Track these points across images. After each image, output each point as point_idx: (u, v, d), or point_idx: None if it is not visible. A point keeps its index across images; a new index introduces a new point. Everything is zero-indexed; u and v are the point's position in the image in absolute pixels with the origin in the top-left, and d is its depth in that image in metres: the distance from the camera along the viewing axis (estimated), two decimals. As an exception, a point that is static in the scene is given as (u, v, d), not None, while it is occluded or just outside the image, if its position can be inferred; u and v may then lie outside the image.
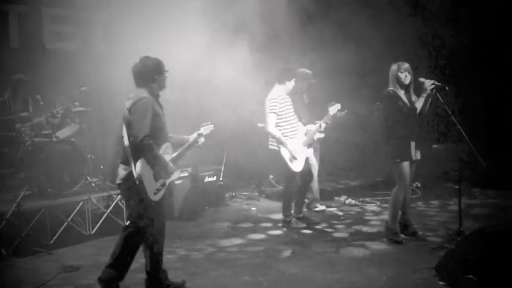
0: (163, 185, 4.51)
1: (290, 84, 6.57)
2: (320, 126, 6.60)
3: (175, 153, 4.65)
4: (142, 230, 4.46)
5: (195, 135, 4.77)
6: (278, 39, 9.51)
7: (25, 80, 7.14)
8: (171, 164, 4.50)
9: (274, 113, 6.42)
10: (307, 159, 6.66)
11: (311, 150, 6.72)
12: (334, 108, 6.57)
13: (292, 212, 6.73)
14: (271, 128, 6.42)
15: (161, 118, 4.45)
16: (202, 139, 4.77)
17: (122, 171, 4.40)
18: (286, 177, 6.63)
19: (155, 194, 4.42)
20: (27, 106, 7.12)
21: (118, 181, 4.46)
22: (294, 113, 6.61)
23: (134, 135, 4.23)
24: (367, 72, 9.45)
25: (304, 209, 7.43)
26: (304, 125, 6.73)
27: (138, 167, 4.26)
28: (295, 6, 9.02)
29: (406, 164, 5.69)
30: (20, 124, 6.84)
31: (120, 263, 4.42)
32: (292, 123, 6.54)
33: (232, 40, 9.08)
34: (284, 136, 6.44)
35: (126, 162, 4.35)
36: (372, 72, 9.29)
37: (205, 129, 4.82)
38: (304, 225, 6.67)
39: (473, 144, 5.38)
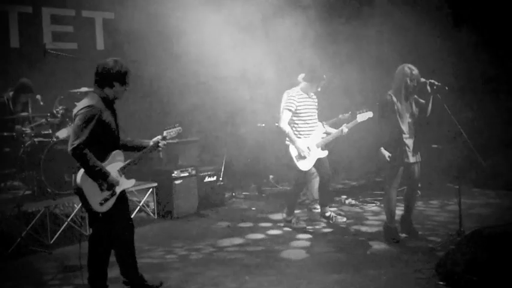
0: (112, 194, 4.31)
1: (314, 85, 6.54)
2: (341, 131, 6.58)
3: (129, 160, 4.49)
4: (102, 237, 4.39)
5: (156, 139, 4.61)
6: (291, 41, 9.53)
7: (31, 86, 7.12)
8: (112, 176, 4.26)
9: (289, 110, 6.42)
10: (320, 161, 6.62)
11: (326, 152, 6.67)
12: (364, 116, 6.55)
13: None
14: (283, 124, 6.43)
15: (110, 126, 4.29)
16: (164, 143, 4.58)
17: (75, 182, 4.28)
18: (295, 175, 6.63)
19: (101, 204, 4.23)
20: (27, 106, 7.12)
21: (74, 191, 4.36)
22: (313, 113, 6.58)
23: (70, 142, 4.10)
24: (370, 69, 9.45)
25: (305, 210, 7.44)
26: (324, 126, 6.73)
27: (78, 178, 4.15)
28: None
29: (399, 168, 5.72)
30: (20, 124, 6.84)
31: (97, 274, 4.42)
32: (308, 123, 6.53)
33: (237, 39, 9.11)
34: (299, 134, 6.45)
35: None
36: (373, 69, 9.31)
37: (169, 133, 4.64)
38: (304, 225, 6.68)
39: (473, 144, 5.38)
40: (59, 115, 7.04)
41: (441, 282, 4.58)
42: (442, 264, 4.71)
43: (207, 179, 7.93)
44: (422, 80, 5.67)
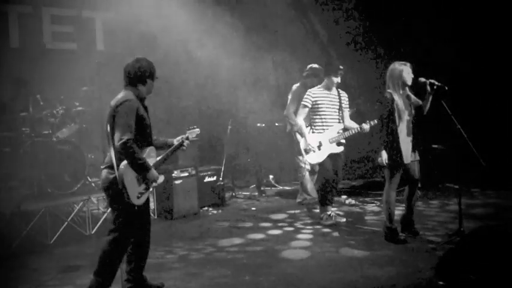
0: (146, 188, 4.40)
1: (333, 78, 6.63)
2: (362, 128, 6.47)
3: (159, 157, 4.58)
4: (126, 235, 4.39)
5: (180, 138, 4.73)
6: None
7: (25, 80, 7.14)
8: (154, 171, 4.37)
9: (305, 106, 6.66)
10: (334, 156, 6.62)
11: (341, 148, 6.65)
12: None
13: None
14: (298, 118, 6.72)
15: (145, 121, 4.39)
16: (187, 142, 4.75)
17: (107, 175, 4.30)
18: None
19: (138, 198, 4.32)
20: (27, 106, 7.13)
21: (103, 185, 4.37)
22: (331, 109, 6.63)
23: (117, 137, 4.15)
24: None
25: (305, 210, 7.45)
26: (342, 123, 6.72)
27: (120, 170, 4.18)
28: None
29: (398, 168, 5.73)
30: (20, 124, 6.85)
31: (106, 270, 4.36)
32: (323, 118, 6.60)
33: (235, 42, 9.14)
34: (314, 129, 6.61)
35: (111, 166, 4.26)
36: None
37: (191, 133, 4.81)
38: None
39: (473, 144, 5.38)
40: (59, 115, 7.05)
41: (441, 282, 4.58)
42: (442, 264, 4.71)
43: (207, 179, 7.93)
44: (422, 79, 5.66)
